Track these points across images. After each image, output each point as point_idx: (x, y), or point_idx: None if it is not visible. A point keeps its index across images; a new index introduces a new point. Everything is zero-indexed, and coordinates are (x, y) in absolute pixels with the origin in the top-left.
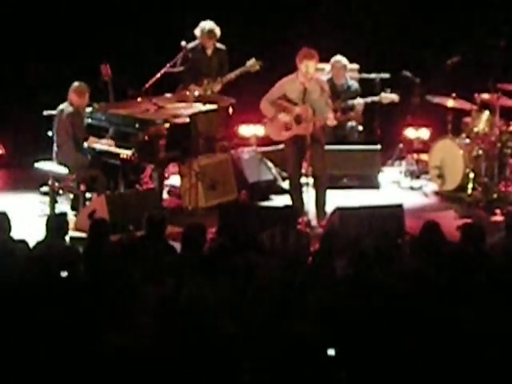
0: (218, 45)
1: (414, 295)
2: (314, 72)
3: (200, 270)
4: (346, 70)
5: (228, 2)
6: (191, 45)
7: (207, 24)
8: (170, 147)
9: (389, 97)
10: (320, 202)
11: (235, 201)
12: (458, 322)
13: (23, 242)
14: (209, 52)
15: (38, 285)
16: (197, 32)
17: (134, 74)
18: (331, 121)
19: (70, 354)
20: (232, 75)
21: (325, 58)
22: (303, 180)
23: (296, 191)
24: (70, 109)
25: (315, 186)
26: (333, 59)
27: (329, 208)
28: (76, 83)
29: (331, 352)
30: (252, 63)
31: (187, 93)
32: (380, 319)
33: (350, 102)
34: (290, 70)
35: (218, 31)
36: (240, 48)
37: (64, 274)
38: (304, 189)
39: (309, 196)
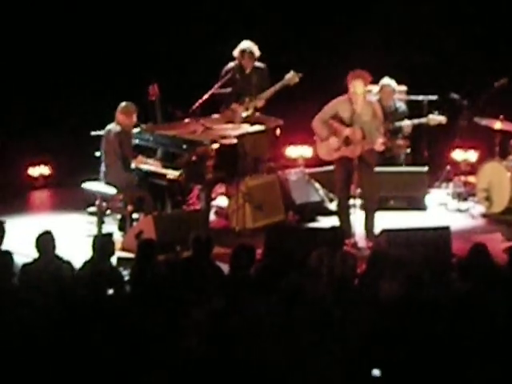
0: (257, 63)
1: (463, 318)
2: (363, 93)
3: (248, 292)
4: (395, 92)
5: (276, 21)
6: (231, 65)
7: (244, 45)
8: (218, 168)
9: (436, 119)
10: (368, 224)
11: (282, 222)
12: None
13: (68, 263)
14: (247, 71)
15: (84, 304)
16: (235, 53)
17: (182, 95)
18: (379, 146)
19: (114, 375)
20: (272, 90)
21: (372, 80)
22: (351, 201)
23: (344, 212)
24: (118, 128)
25: (364, 207)
26: (382, 82)
27: (376, 230)
28: (123, 103)
29: (376, 373)
30: (291, 76)
31: (230, 113)
32: (429, 341)
33: (398, 123)
34: (339, 91)
35: (256, 51)
36: (287, 67)
37: (110, 291)
38: (352, 210)
39: (356, 217)
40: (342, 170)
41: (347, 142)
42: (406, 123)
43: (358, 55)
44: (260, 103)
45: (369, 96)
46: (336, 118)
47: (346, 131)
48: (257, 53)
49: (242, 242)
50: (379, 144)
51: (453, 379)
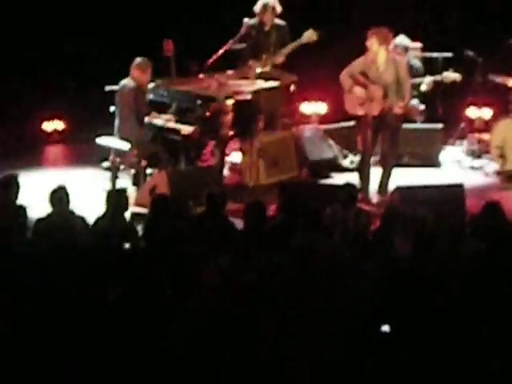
0: (278, 21)
1: (476, 276)
2: (378, 51)
3: (262, 247)
4: (408, 50)
5: None
6: (251, 21)
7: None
8: (232, 124)
9: (451, 76)
10: (383, 181)
11: (296, 178)
12: None
13: (82, 218)
14: (267, 28)
15: (98, 258)
16: (256, 8)
17: (197, 50)
18: (397, 109)
19: (127, 331)
20: (290, 47)
21: (393, 36)
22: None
23: (364, 169)
24: (133, 84)
25: (382, 164)
26: (395, 41)
27: (390, 187)
28: (138, 59)
29: (385, 328)
30: (310, 34)
31: (248, 69)
32: (441, 299)
33: (418, 80)
34: (353, 48)
35: (277, 7)
36: (302, 25)
37: (126, 245)
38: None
39: (373, 174)
40: (365, 127)
41: (370, 98)
42: (423, 80)
43: (373, 14)
44: (278, 60)
45: (394, 54)
46: (363, 75)
47: (371, 88)
48: (278, 9)
49: (255, 199)
50: (399, 107)
51: (463, 339)
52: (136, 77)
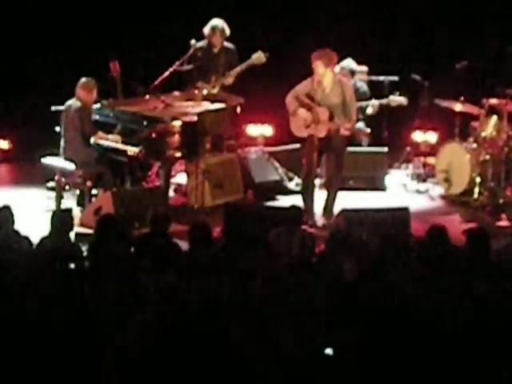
0: (227, 44)
1: (418, 298)
2: (324, 74)
3: (206, 269)
4: (355, 74)
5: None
6: (200, 44)
7: (215, 22)
8: (178, 145)
9: (397, 100)
10: (328, 204)
11: (241, 200)
12: (463, 327)
13: (26, 238)
14: (215, 50)
15: (42, 279)
16: (205, 30)
17: (143, 72)
18: (344, 130)
19: (72, 351)
20: (238, 69)
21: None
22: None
23: (307, 191)
24: (78, 104)
25: (326, 186)
26: (340, 64)
27: (335, 209)
28: (84, 79)
29: (329, 351)
30: (258, 56)
31: (196, 91)
32: (385, 322)
33: (364, 103)
34: (299, 71)
35: (226, 29)
36: (249, 46)
37: (71, 265)
38: (315, 190)
39: (317, 197)
40: (310, 150)
41: (316, 120)
42: (374, 103)
43: (318, 35)
44: (228, 81)
45: (340, 76)
46: (309, 97)
47: (316, 109)
48: (227, 31)
49: (199, 220)
50: (345, 129)
51: (406, 361)
52: (81, 97)
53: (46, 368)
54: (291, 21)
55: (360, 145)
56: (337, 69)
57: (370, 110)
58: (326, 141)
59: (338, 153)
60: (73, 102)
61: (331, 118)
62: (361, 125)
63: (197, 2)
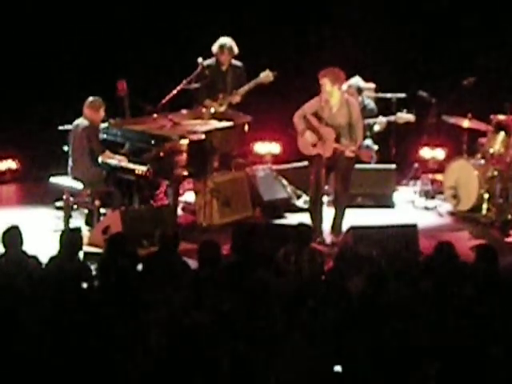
0: (235, 61)
1: (427, 316)
2: (332, 92)
3: (216, 287)
4: (362, 91)
5: (247, 19)
6: (208, 61)
7: (223, 40)
8: (186, 164)
9: (404, 117)
10: (337, 221)
11: (250, 218)
12: (472, 343)
13: (34, 258)
14: (223, 68)
15: (51, 299)
16: (214, 48)
17: (151, 91)
18: (349, 152)
19: (83, 368)
20: (246, 87)
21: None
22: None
23: (315, 209)
24: (86, 123)
25: (334, 204)
26: (348, 82)
27: (344, 227)
28: (91, 98)
29: (338, 368)
30: (266, 74)
31: (203, 109)
32: (392, 338)
33: (372, 120)
34: (307, 89)
35: (234, 48)
36: (256, 63)
37: (83, 285)
38: (323, 207)
39: (325, 214)
40: (317, 168)
41: (323, 140)
42: (381, 120)
43: (329, 54)
44: (235, 99)
45: (348, 96)
46: (316, 116)
47: (322, 129)
48: (235, 50)
49: (208, 239)
50: (349, 151)
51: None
52: (89, 116)
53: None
54: (299, 40)
55: (368, 162)
56: (344, 87)
57: (377, 127)
58: (333, 159)
59: (345, 171)
60: (80, 122)
61: (338, 138)
62: (368, 142)
63: (204, 21)
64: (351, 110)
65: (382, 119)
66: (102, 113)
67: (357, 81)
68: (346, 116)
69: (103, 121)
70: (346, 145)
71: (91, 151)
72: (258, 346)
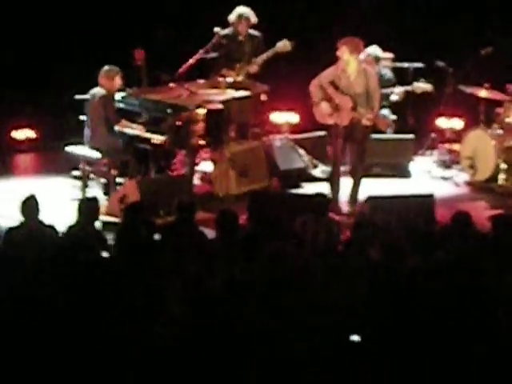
0: (252, 31)
1: (444, 286)
2: (350, 60)
3: (233, 256)
4: (380, 61)
5: None
6: (225, 31)
7: (241, 9)
8: (203, 133)
9: (422, 86)
10: (354, 191)
11: (266, 188)
12: (485, 318)
13: (52, 228)
14: (241, 37)
15: (69, 269)
16: (231, 18)
17: (168, 60)
18: (366, 120)
19: (96, 341)
20: (264, 56)
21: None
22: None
23: (335, 179)
24: (102, 92)
25: (351, 174)
26: (365, 51)
27: (360, 196)
28: (106, 67)
29: (355, 338)
30: (283, 44)
31: (220, 79)
32: (409, 309)
33: (385, 90)
34: (325, 58)
35: (252, 17)
36: (274, 33)
37: (104, 254)
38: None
39: (343, 184)
40: (335, 137)
41: (338, 108)
42: (395, 90)
43: (345, 23)
44: (253, 69)
45: (365, 65)
46: (333, 85)
47: (338, 98)
48: (253, 19)
49: (225, 208)
50: (367, 119)
51: (434, 351)
52: (104, 84)
53: (70, 358)
54: (318, 8)
55: (385, 132)
56: (362, 56)
57: (395, 97)
58: (349, 129)
59: (361, 142)
60: (97, 91)
61: (354, 107)
62: (386, 112)
63: None
64: (368, 78)
65: (400, 89)
66: (117, 81)
67: (374, 50)
68: (362, 85)
69: (121, 90)
70: (363, 113)
71: (107, 120)
72: (276, 317)
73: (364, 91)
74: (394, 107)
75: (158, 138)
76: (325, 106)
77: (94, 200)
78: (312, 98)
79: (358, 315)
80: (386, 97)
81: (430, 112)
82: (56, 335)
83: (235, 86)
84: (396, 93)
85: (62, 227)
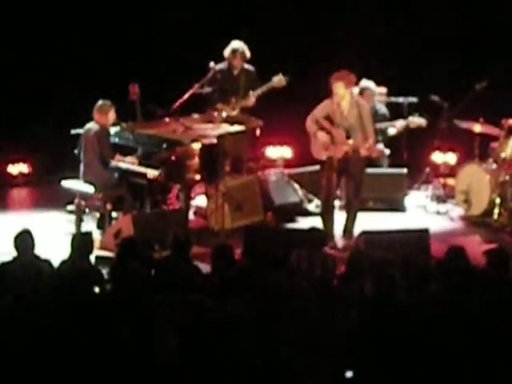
0: (247, 66)
1: (438, 320)
2: (345, 95)
3: (228, 289)
4: (374, 95)
5: (259, 21)
6: (220, 66)
7: (236, 44)
8: (198, 168)
9: (416, 121)
10: (348, 225)
11: (261, 222)
12: (480, 348)
13: (47, 262)
14: (235, 72)
15: (63, 303)
16: (226, 52)
17: (163, 94)
18: (364, 150)
19: (92, 375)
20: (259, 91)
21: (357, 81)
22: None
23: (327, 214)
24: (96, 127)
25: (346, 208)
26: (361, 84)
27: (355, 231)
28: (100, 102)
29: (349, 374)
30: (279, 79)
31: (215, 113)
32: (402, 342)
33: (386, 124)
34: (319, 93)
35: (246, 52)
36: (268, 67)
37: (95, 289)
38: (335, 211)
39: (337, 218)
40: (329, 172)
41: (334, 141)
42: (395, 124)
43: (338, 58)
44: (250, 102)
45: (357, 97)
46: (328, 119)
47: (333, 131)
48: (247, 54)
49: (221, 242)
50: (364, 149)
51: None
52: (97, 119)
53: None
54: (310, 44)
55: (380, 166)
56: (356, 90)
57: (393, 131)
58: (344, 163)
59: (357, 175)
60: (92, 126)
61: (348, 137)
62: (380, 146)
63: (216, 26)
64: (361, 109)
65: (401, 123)
66: (111, 116)
67: (368, 84)
68: (356, 116)
69: (115, 124)
70: (359, 142)
71: (102, 155)
72: (271, 349)
73: (357, 122)
74: (389, 142)
75: (152, 173)
76: (322, 135)
77: (88, 234)
78: (309, 133)
79: (352, 350)
80: (381, 132)
81: (424, 146)
82: (49, 370)
83: (230, 120)
84: (396, 127)
85: (56, 261)
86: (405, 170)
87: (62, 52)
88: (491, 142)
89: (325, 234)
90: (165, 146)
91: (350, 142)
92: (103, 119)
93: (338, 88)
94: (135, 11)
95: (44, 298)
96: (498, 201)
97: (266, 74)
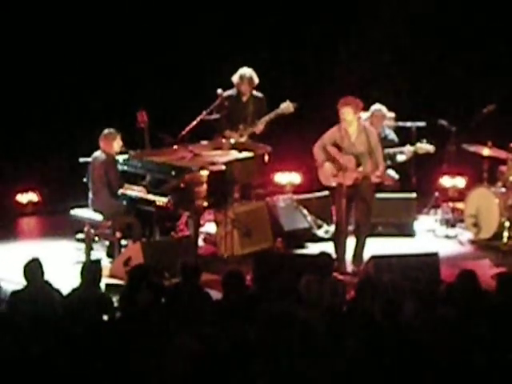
0: (255, 92)
1: (448, 344)
2: (353, 120)
3: (238, 316)
4: (385, 118)
5: (268, 47)
6: (228, 92)
7: (244, 71)
8: (206, 194)
9: (424, 148)
10: (358, 250)
11: (271, 248)
12: (490, 371)
13: (57, 291)
14: (244, 98)
15: (75, 331)
16: (234, 79)
17: (171, 122)
18: (375, 178)
19: None
20: (267, 118)
21: (364, 107)
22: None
23: (339, 238)
24: (104, 156)
25: (356, 233)
26: (373, 107)
27: (365, 256)
28: (105, 131)
29: None
30: (287, 105)
31: (223, 140)
32: (412, 366)
33: (395, 150)
34: (329, 119)
35: (255, 78)
36: (276, 94)
37: (104, 316)
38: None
39: (348, 244)
40: (339, 197)
41: (343, 169)
42: (403, 149)
43: (345, 81)
44: (258, 129)
45: (364, 123)
46: (335, 146)
47: (342, 159)
48: (256, 80)
49: (231, 269)
50: (375, 176)
51: None
52: (103, 148)
53: None
54: (318, 70)
55: (389, 191)
56: (364, 115)
57: (402, 157)
58: (354, 189)
59: (367, 200)
60: (99, 154)
61: (358, 165)
62: (389, 171)
63: (225, 52)
64: (369, 136)
65: (409, 148)
66: (117, 144)
67: (380, 107)
68: (364, 143)
69: (123, 152)
70: (369, 170)
71: (110, 184)
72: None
73: (366, 149)
74: (398, 166)
75: (161, 200)
76: (329, 167)
77: (98, 262)
78: (316, 161)
79: (362, 375)
80: (390, 157)
81: (433, 171)
82: None
83: (238, 147)
84: (404, 153)
85: (66, 290)
86: (414, 195)
87: (68, 81)
88: (500, 165)
89: (334, 260)
90: (173, 173)
91: (361, 169)
92: (109, 147)
93: (347, 113)
94: (144, 38)
95: (55, 325)
96: (507, 224)
97: (275, 101)
